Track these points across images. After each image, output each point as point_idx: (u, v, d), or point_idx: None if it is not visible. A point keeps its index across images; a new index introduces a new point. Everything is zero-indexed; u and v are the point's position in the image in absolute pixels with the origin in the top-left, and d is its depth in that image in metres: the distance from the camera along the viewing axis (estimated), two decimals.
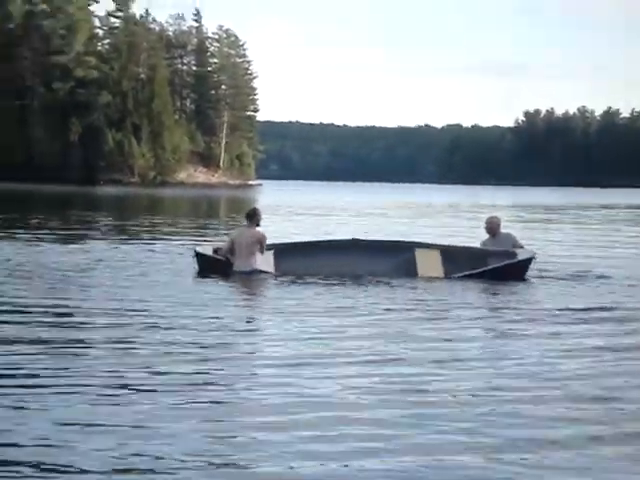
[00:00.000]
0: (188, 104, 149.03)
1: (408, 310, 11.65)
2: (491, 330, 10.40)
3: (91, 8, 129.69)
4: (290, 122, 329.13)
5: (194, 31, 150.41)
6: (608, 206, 67.40)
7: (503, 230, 16.14)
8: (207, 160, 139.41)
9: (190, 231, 28.88)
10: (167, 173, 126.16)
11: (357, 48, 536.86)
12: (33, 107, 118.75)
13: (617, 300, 12.90)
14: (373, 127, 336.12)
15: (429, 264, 15.53)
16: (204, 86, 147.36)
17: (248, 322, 10.80)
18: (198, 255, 15.55)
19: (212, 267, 15.27)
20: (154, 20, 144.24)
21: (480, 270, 15.12)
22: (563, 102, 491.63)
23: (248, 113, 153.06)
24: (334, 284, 14.19)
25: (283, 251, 15.72)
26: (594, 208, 62.24)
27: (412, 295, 13.30)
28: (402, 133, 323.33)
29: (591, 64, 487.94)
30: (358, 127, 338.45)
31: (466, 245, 16.94)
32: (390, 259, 15.66)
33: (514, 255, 15.36)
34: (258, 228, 15.72)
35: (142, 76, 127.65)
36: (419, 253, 15.73)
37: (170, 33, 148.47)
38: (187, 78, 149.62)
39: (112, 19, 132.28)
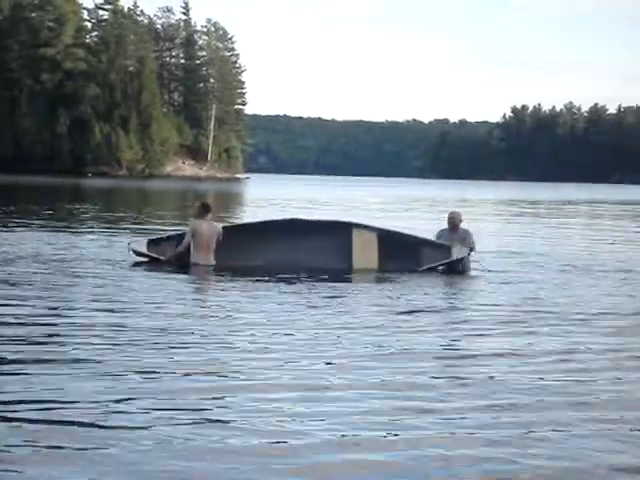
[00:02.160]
0: (176, 97, 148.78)
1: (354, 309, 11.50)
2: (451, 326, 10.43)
3: (79, 0, 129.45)
4: (278, 116, 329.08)
5: (182, 24, 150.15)
6: (594, 201, 67.74)
7: (463, 226, 16.32)
8: (195, 153, 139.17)
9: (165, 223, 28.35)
10: (155, 166, 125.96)
11: (345, 42, 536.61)
12: (21, 99, 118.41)
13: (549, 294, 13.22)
14: (361, 121, 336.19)
15: (364, 245, 15.81)
16: (192, 79, 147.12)
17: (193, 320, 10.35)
18: (133, 251, 15.79)
19: (147, 260, 15.56)
20: (142, 13, 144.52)
21: (420, 269, 15.41)
22: (550, 98, 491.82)
23: (236, 106, 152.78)
24: (275, 279, 14.17)
25: (224, 232, 15.72)
26: (579, 204, 62.56)
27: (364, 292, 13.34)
28: (390, 128, 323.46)
29: (578, 60, 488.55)
30: (346, 121, 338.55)
31: (403, 232, 17.10)
32: (327, 238, 15.90)
33: (448, 250, 15.59)
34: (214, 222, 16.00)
35: (130, 69, 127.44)
36: (356, 233, 15.95)
37: (158, 26, 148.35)
38: (175, 71, 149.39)
39: (100, 12, 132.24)
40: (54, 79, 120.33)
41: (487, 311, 11.39)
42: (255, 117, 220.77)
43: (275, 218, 18.34)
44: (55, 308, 10.49)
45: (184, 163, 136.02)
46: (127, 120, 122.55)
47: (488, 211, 45.67)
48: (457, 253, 15.52)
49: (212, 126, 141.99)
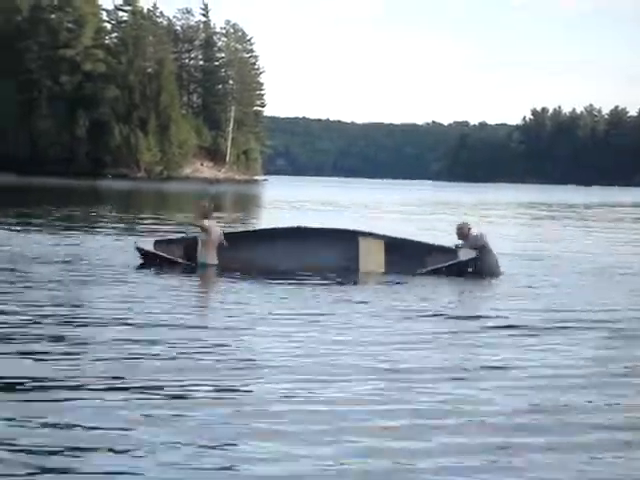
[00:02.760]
0: (195, 99, 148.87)
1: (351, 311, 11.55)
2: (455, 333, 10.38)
3: (99, 2, 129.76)
4: (297, 118, 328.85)
5: (201, 26, 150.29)
6: (616, 204, 67.35)
7: (473, 232, 16.40)
8: (214, 155, 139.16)
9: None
10: (173, 168, 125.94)
11: (365, 44, 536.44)
12: (40, 101, 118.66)
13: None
14: (381, 124, 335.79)
15: (371, 254, 15.90)
16: (211, 81, 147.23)
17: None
18: (139, 250, 15.94)
19: (153, 261, 15.72)
20: (162, 14, 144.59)
21: (424, 270, 15.51)
22: (570, 100, 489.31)
23: (255, 108, 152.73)
24: (276, 282, 14.20)
25: (228, 240, 15.88)
26: (599, 206, 62.17)
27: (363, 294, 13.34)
28: (409, 130, 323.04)
29: (597, 62, 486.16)
30: (365, 124, 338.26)
31: (410, 238, 17.07)
32: (333, 247, 15.99)
33: (455, 253, 15.79)
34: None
35: (149, 70, 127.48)
36: (363, 242, 16.03)
37: (178, 27, 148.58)
38: (194, 73, 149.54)
39: (120, 13, 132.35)
40: (73, 81, 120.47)
41: (497, 318, 11.15)
42: (274, 119, 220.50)
43: (282, 225, 18.48)
44: (60, 315, 10.32)
45: (202, 165, 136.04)
46: (146, 122, 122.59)
47: (507, 214, 45.42)
48: (464, 255, 15.71)
49: (231, 128, 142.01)
